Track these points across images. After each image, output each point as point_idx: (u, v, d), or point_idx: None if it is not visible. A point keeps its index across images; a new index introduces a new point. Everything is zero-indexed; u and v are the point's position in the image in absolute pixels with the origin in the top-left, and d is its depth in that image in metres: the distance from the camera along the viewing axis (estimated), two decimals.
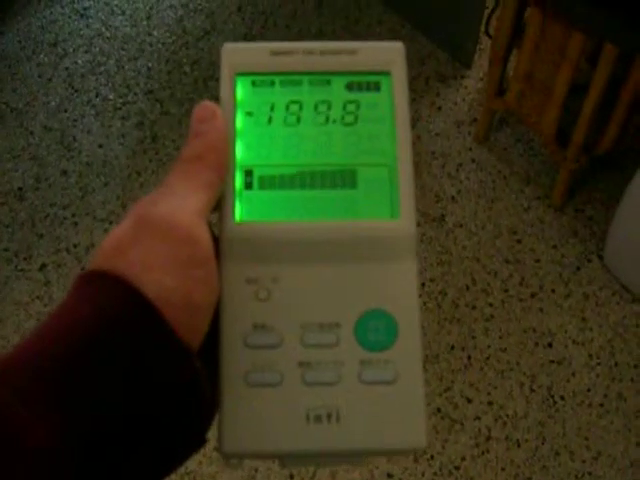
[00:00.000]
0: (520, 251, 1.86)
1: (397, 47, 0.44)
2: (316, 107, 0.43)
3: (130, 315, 0.35)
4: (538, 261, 1.85)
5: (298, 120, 0.42)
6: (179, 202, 0.38)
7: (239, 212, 0.41)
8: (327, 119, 0.43)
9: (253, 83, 0.43)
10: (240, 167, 0.42)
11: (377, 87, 0.43)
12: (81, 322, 0.35)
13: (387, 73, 0.43)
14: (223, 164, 0.40)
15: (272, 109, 0.43)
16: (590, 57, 1.63)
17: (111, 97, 2.11)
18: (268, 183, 0.42)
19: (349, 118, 0.43)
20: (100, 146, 2.02)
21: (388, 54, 0.44)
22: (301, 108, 0.43)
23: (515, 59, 1.76)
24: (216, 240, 0.40)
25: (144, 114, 2.08)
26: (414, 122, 2.05)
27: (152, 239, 0.37)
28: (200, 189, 0.39)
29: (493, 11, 2.18)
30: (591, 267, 1.84)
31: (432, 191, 1.92)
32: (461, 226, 1.88)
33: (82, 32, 2.27)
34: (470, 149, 2.00)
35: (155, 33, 2.26)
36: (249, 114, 0.42)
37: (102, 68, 2.18)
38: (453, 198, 1.92)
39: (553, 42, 1.60)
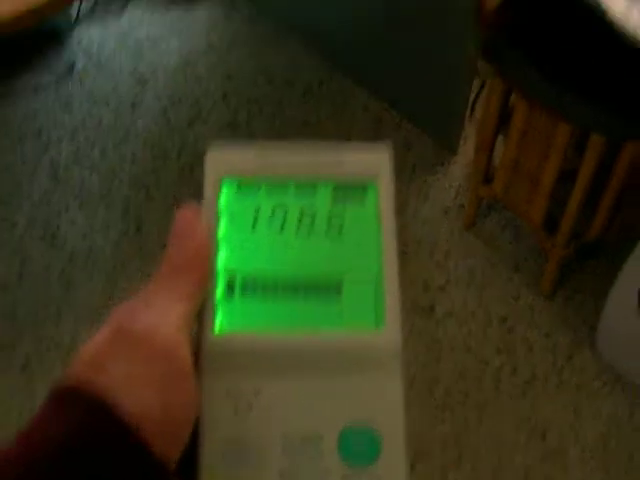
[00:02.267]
0: (511, 340, 1.89)
1: (384, 150, 0.44)
2: (302, 214, 0.43)
3: (104, 436, 0.35)
4: (530, 350, 1.88)
5: (283, 227, 0.43)
6: (159, 315, 0.38)
7: (219, 322, 0.41)
8: (312, 226, 0.43)
9: (238, 187, 0.43)
10: (222, 274, 0.42)
11: (363, 195, 0.43)
12: (53, 443, 0.35)
13: (373, 180, 0.44)
14: (205, 275, 0.40)
15: (257, 214, 0.43)
16: (577, 143, 1.68)
17: (96, 186, 2.16)
18: (250, 291, 0.41)
19: (334, 227, 0.43)
20: (84, 238, 2.06)
21: (375, 159, 0.44)
22: (286, 214, 0.43)
23: (501, 145, 1.83)
24: (196, 350, 0.40)
25: (129, 201, 2.12)
26: (401, 210, 2.10)
27: (131, 354, 0.37)
28: (181, 301, 0.39)
29: (478, 96, 2.26)
30: (583, 355, 1.88)
31: (420, 280, 1.97)
32: (451, 315, 1.91)
33: (66, 122, 2.32)
34: (458, 236, 2.05)
35: (140, 123, 2.32)
36: (233, 219, 0.43)
37: (86, 158, 2.23)
38: (442, 287, 1.96)
39: (539, 131, 1.67)
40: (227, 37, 2.58)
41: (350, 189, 0.43)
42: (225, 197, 0.43)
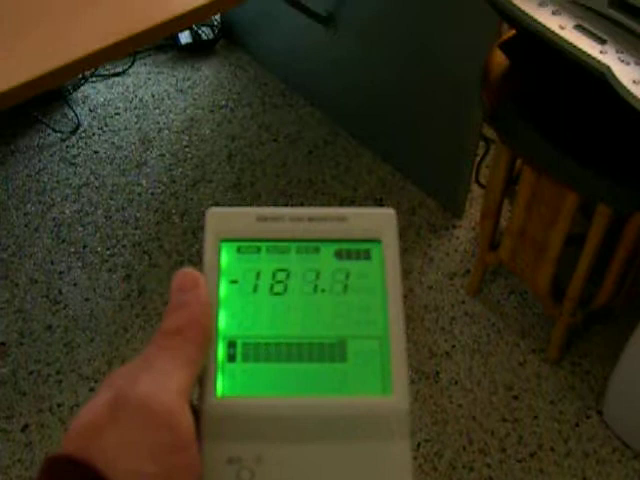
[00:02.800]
0: (517, 408, 1.88)
1: (388, 214, 0.44)
2: (304, 276, 0.42)
3: None
4: (536, 418, 1.87)
5: (285, 289, 0.42)
6: (159, 381, 0.37)
7: (221, 386, 0.40)
8: (315, 289, 0.42)
9: (238, 250, 0.43)
10: (223, 338, 0.41)
11: (367, 256, 0.43)
12: None
13: (378, 241, 0.43)
14: (205, 338, 0.40)
15: (258, 277, 0.42)
16: (584, 206, 1.69)
17: (98, 249, 2.17)
18: (252, 355, 0.41)
19: (338, 288, 0.42)
20: (86, 300, 2.06)
21: (379, 221, 0.44)
22: (288, 277, 0.42)
23: (507, 210, 1.83)
24: (197, 415, 0.40)
25: (131, 266, 2.12)
26: (406, 274, 2.11)
27: (130, 422, 0.36)
28: (181, 366, 0.38)
29: (483, 159, 2.27)
30: (590, 423, 1.86)
31: (425, 346, 1.96)
32: (456, 383, 1.91)
33: (70, 181, 2.34)
34: (463, 302, 2.05)
35: (144, 182, 2.33)
36: (234, 282, 0.42)
37: (90, 218, 2.24)
38: (447, 353, 1.96)
39: (546, 199, 1.67)
40: (233, 96, 2.61)
41: (354, 250, 0.43)
42: (225, 260, 0.43)
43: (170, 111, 2.55)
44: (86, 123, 2.52)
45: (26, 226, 2.23)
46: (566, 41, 1.32)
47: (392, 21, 2.10)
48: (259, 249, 0.43)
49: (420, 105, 2.17)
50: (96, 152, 2.43)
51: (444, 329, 2.00)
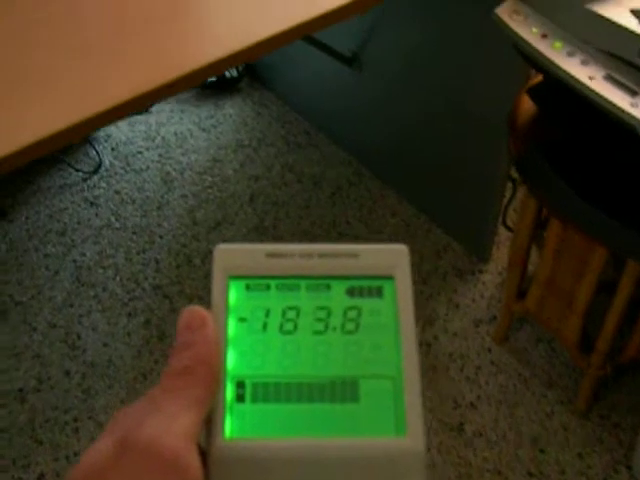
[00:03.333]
0: (544, 461, 1.83)
1: (401, 250, 0.43)
2: (314, 314, 0.42)
3: None
4: (563, 473, 1.82)
5: (295, 327, 0.41)
6: (166, 423, 0.36)
7: (229, 428, 0.39)
8: (326, 327, 0.41)
9: (247, 287, 0.42)
10: (231, 378, 0.40)
11: (380, 293, 0.42)
12: None
13: (390, 278, 0.43)
14: (214, 378, 0.39)
15: (267, 315, 0.41)
16: (614, 255, 1.65)
17: (118, 292, 2.15)
18: (262, 395, 0.40)
19: (350, 326, 0.41)
20: (105, 345, 2.04)
21: (391, 258, 0.43)
22: (298, 315, 0.41)
23: (535, 256, 1.80)
24: (205, 457, 0.39)
25: (152, 310, 2.11)
26: (431, 321, 2.07)
27: (135, 466, 0.35)
28: (189, 407, 0.37)
29: (510, 200, 2.24)
30: (619, 478, 1.82)
31: (450, 397, 1.92)
32: (481, 435, 1.87)
33: (91, 222, 2.33)
34: (489, 350, 2.01)
35: (165, 224, 2.32)
36: (242, 320, 0.41)
37: (110, 261, 2.23)
38: (472, 404, 1.92)
39: (574, 251, 1.64)
40: (256, 135, 2.59)
41: (366, 287, 0.42)
42: (234, 297, 0.42)
43: (193, 150, 2.54)
44: (108, 162, 2.52)
45: (46, 268, 2.23)
46: (596, 93, 1.29)
47: (417, 62, 2.09)
48: (268, 286, 0.42)
49: (446, 146, 2.14)
50: (117, 192, 2.42)
51: (469, 378, 1.96)
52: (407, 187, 2.36)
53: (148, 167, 2.49)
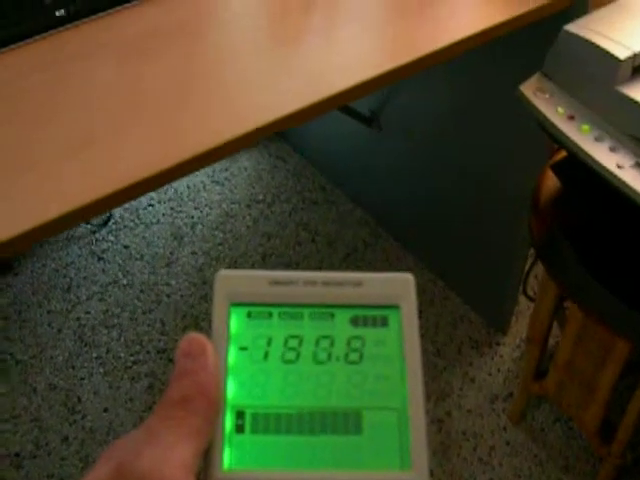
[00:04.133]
0: None
1: (406, 279, 0.42)
2: (317, 343, 0.40)
3: None
4: None
5: (297, 357, 0.40)
6: (163, 454, 0.35)
7: (228, 459, 0.37)
8: (329, 356, 0.40)
9: (249, 314, 0.41)
10: (231, 407, 0.39)
11: (384, 322, 0.41)
12: None
13: (396, 307, 0.41)
14: (213, 409, 0.37)
15: (269, 344, 0.40)
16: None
17: (122, 354, 2.09)
18: (262, 426, 0.38)
19: (354, 356, 0.40)
20: (106, 410, 1.98)
21: (397, 286, 0.42)
22: (301, 344, 0.40)
23: (557, 328, 1.72)
24: None
25: (155, 375, 2.04)
26: (444, 396, 2.00)
27: None
28: (187, 437, 0.36)
29: (531, 268, 2.16)
30: None
31: (462, 478, 1.84)
32: None
33: (97, 277, 2.27)
34: (504, 429, 1.94)
35: (173, 283, 2.26)
36: (243, 349, 0.40)
37: (115, 320, 2.17)
38: None
39: (596, 338, 1.57)
40: (271, 190, 2.54)
41: (370, 316, 0.41)
42: (235, 325, 0.41)
43: (205, 204, 2.49)
44: (118, 214, 2.47)
45: (49, 325, 2.17)
46: (624, 183, 1.22)
47: (438, 127, 2.03)
48: (271, 314, 0.41)
49: (466, 213, 2.08)
50: (126, 247, 2.37)
51: (482, 459, 1.89)
52: (425, 251, 2.30)
53: (159, 220, 2.44)
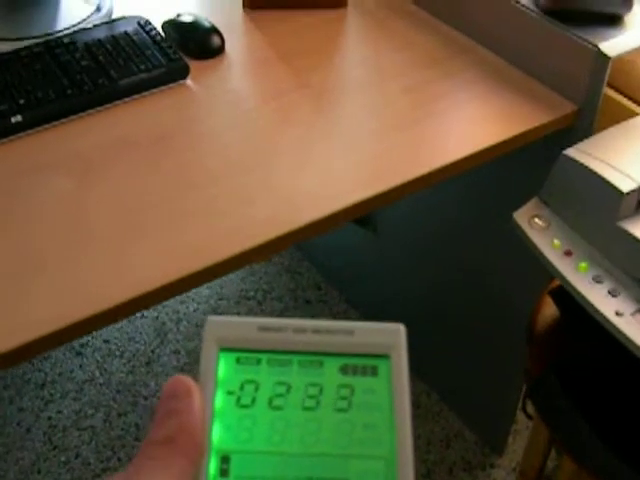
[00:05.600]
0: None
1: (397, 329, 0.42)
2: (306, 390, 0.40)
3: None
4: None
5: (285, 403, 0.40)
6: None
7: None
8: (317, 404, 0.40)
9: (237, 360, 0.41)
10: (216, 451, 0.38)
11: (374, 372, 0.41)
12: None
13: (386, 357, 0.41)
14: (198, 450, 0.37)
15: (257, 389, 0.40)
16: None
17: (91, 460, 1.99)
18: (247, 472, 0.38)
19: (342, 404, 0.40)
20: None
21: (387, 336, 0.42)
22: (289, 390, 0.40)
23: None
24: None
25: None
26: None
27: None
28: (170, 478, 0.35)
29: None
30: None
31: None
32: None
33: (74, 374, 2.18)
34: None
35: (152, 384, 2.16)
36: (231, 393, 0.40)
37: (87, 422, 2.07)
38: None
39: None
40: (263, 286, 2.45)
41: (360, 365, 0.41)
42: (223, 370, 0.41)
43: (192, 299, 2.39)
44: None
45: (18, 424, 2.07)
46: (622, 334, 1.12)
47: (435, 235, 1.94)
48: (259, 360, 0.41)
49: (463, 324, 1.99)
50: (106, 341, 2.27)
51: None
52: (418, 361, 2.17)
53: (142, 314, 2.35)
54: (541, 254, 1.24)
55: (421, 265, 2.06)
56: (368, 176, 1.19)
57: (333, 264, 2.45)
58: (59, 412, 2.10)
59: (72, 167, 1.19)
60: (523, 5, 1.37)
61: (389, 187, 1.16)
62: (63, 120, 1.27)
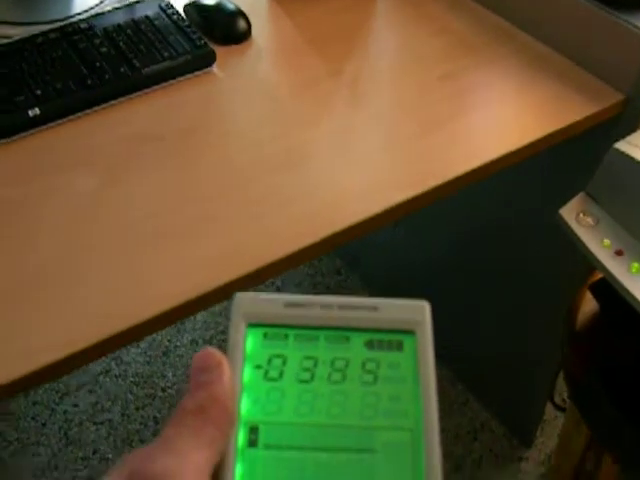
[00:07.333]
0: None
1: (422, 306, 0.43)
2: (332, 364, 0.41)
3: None
4: None
5: (312, 377, 0.41)
6: (178, 459, 0.35)
7: (240, 474, 0.37)
8: (344, 377, 0.41)
9: (265, 335, 0.42)
10: (244, 423, 0.39)
11: (399, 346, 0.42)
12: None
13: (411, 332, 0.42)
14: (228, 419, 0.38)
15: (284, 363, 0.41)
16: None
17: (109, 456, 1.95)
18: (275, 442, 0.39)
19: (368, 378, 0.41)
20: None
21: (412, 313, 0.43)
22: (316, 365, 0.41)
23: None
24: None
25: None
26: None
27: None
28: (202, 445, 0.36)
29: (559, 373, 2.00)
30: None
31: None
32: None
33: (89, 365, 2.12)
34: None
35: (170, 374, 2.11)
36: (258, 367, 0.41)
37: (104, 416, 2.02)
38: None
39: None
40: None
41: (386, 340, 0.42)
42: (251, 345, 0.42)
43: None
44: None
45: (33, 419, 2.02)
46: None
47: (465, 233, 1.88)
48: (287, 336, 0.42)
49: (492, 314, 1.93)
50: None
51: None
52: (444, 349, 2.13)
53: None
54: (591, 254, 1.18)
55: (450, 256, 2.00)
56: (408, 175, 1.13)
57: (353, 249, 2.40)
58: (75, 405, 2.05)
59: (94, 164, 1.13)
60: None
61: (430, 187, 1.10)
62: (81, 113, 1.21)
